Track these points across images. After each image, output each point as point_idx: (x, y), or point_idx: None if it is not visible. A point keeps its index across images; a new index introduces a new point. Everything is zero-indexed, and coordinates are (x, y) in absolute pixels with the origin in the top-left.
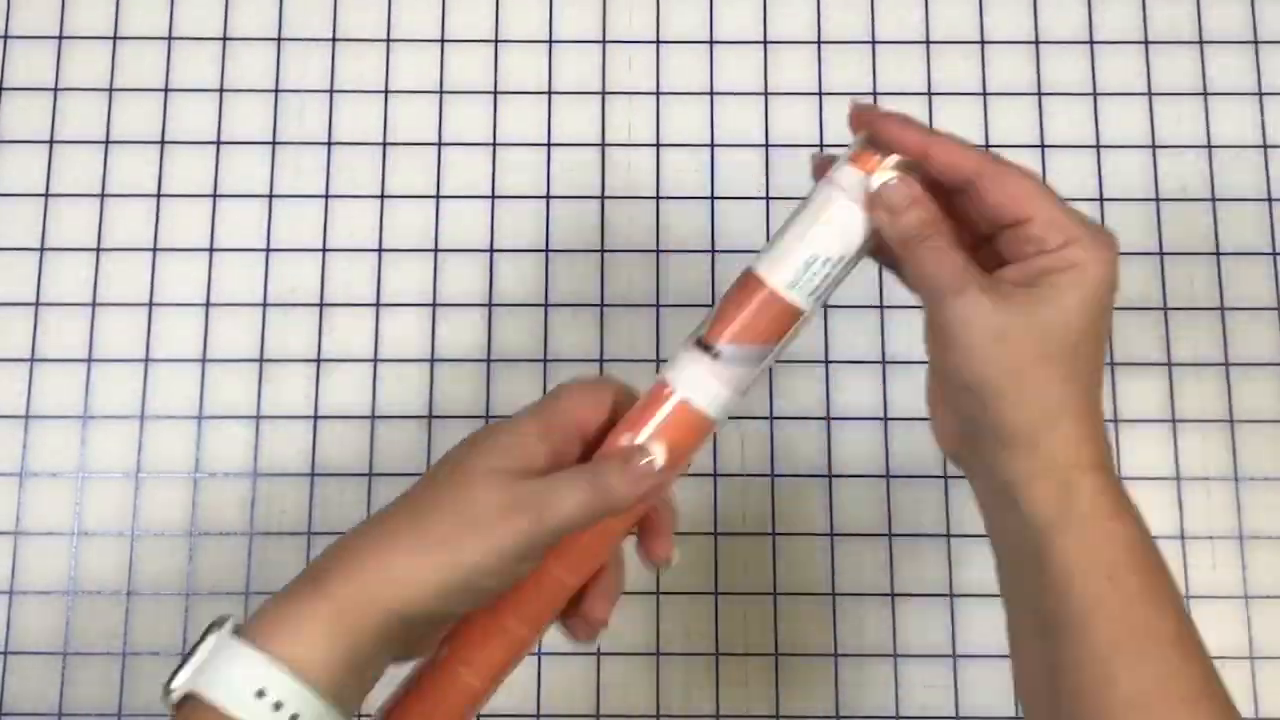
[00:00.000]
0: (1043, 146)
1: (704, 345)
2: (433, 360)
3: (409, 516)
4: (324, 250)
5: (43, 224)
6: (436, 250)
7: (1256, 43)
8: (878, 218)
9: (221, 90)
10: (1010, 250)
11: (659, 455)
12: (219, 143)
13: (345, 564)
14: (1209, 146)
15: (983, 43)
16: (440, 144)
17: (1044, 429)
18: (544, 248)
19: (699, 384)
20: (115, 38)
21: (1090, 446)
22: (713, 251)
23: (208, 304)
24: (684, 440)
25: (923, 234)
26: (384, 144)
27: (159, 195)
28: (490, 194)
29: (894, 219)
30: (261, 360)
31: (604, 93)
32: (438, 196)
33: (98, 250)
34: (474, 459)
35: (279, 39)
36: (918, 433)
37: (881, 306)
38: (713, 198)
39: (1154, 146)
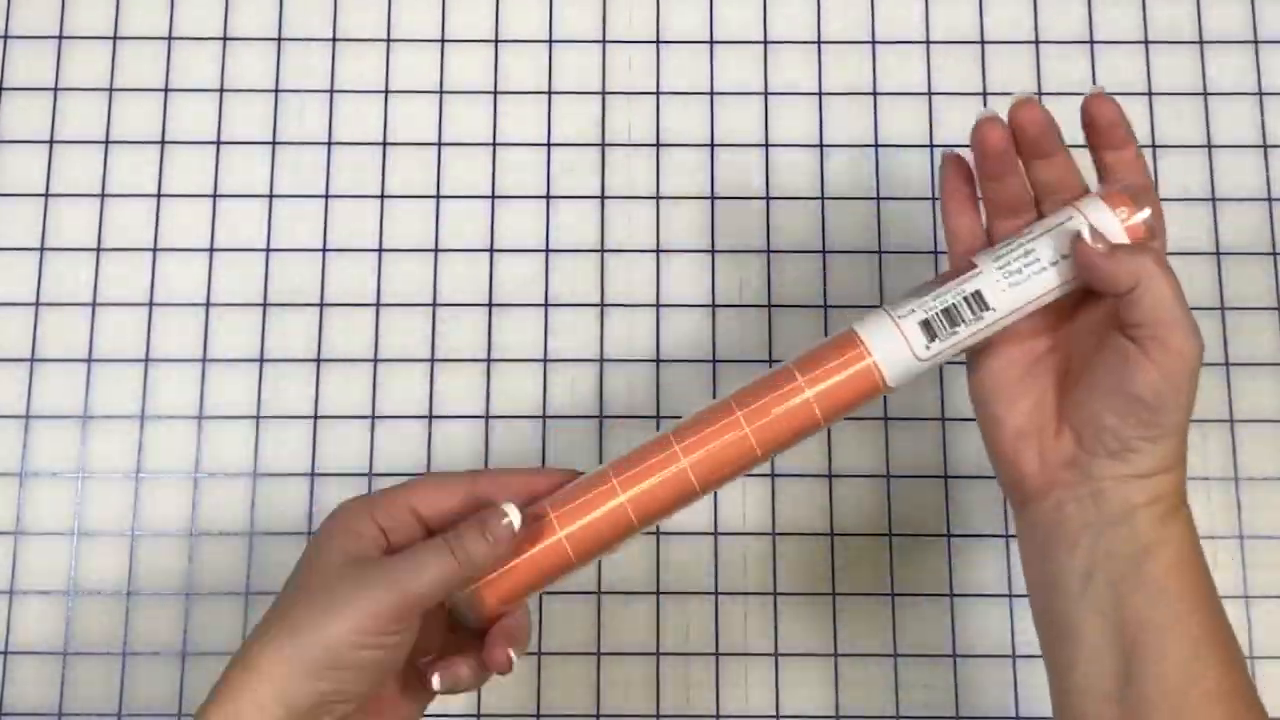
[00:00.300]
0: None
1: (930, 332)
2: (433, 360)
3: (279, 612)
4: (324, 250)
5: (43, 224)
6: (437, 250)
7: (1256, 43)
8: (1129, 248)
9: (221, 90)
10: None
11: (515, 517)
12: (219, 143)
13: (236, 671)
14: (1209, 146)
15: (983, 43)
16: (440, 144)
17: (1177, 464)
18: (544, 248)
19: (900, 359)
20: (115, 38)
21: (1184, 488)
22: (713, 251)
23: (208, 304)
24: (852, 400)
25: (1163, 266)
26: (384, 144)
27: (159, 195)
28: (490, 194)
29: (1146, 248)
30: (261, 360)
31: (604, 93)
32: (438, 196)
33: (98, 250)
34: (322, 551)
35: (279, 39)
36: (918, 433)
37: (881, 307)
38: (713, 198)
39: (1154, 146)
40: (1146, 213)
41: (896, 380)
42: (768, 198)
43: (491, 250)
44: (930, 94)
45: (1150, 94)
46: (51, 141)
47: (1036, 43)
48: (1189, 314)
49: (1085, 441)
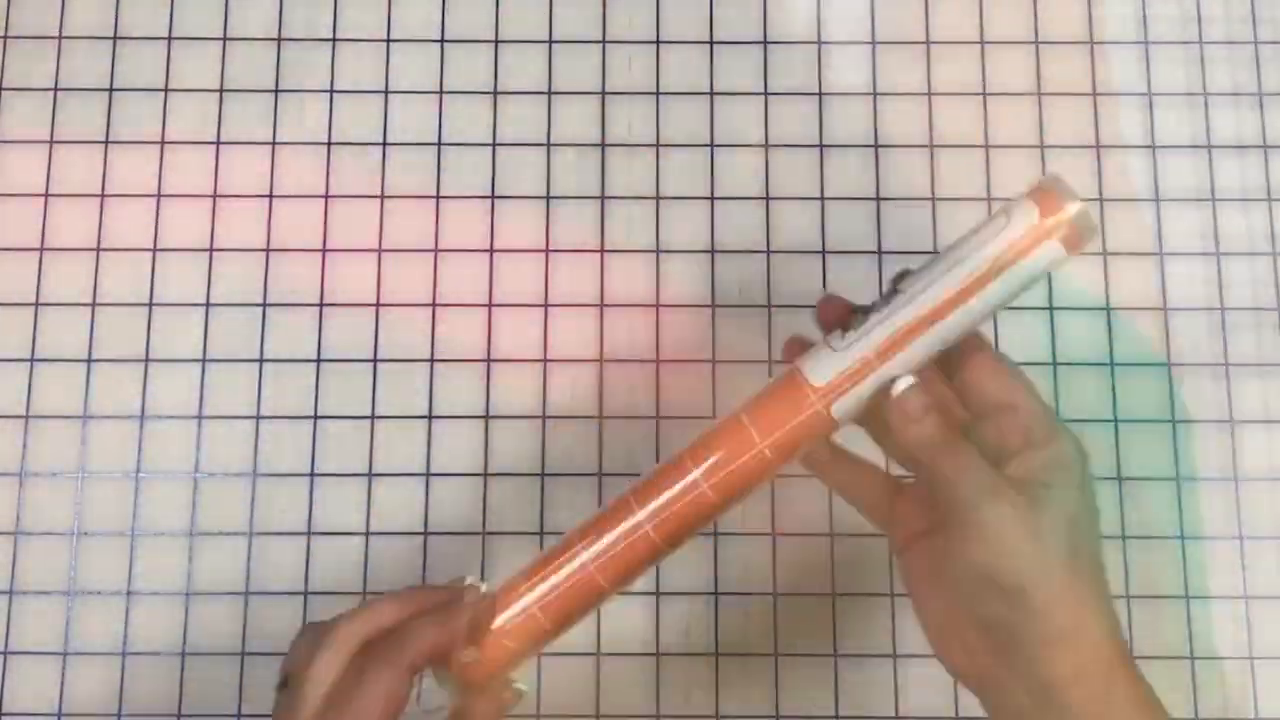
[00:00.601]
0: (1043, 147)
1: (845, 326)
2: (432, 361)
3: None
4: (324, 250)
5: (43, 224)
6: (436, 250)
7: (1256, 43)
8: (897, 426)
9: (221, 90)
10: (994, 437)
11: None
12: (219, 143)
13: None
14: (1209, 146)
15: (982, 43)
16: (440, 144)
17: (1085, 623)
18: (544, 248)
19: (819, 357)
20: (115, 38)
21: (1119, 639)
22: (712, 252)
23: (208, 304)
24: (806, 439)
25: (945, 440)
26: (384, 144)
27: (159, 195)
28: (490, 194)
29: (913, 427)
30: (261, 360)
31: (604, 93)
32: (438, 196)
33: (98, 250)
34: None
35: (279, 39)
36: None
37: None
38: (713, 198)
39: (1153, 147)
40: (1073, 210)
41: (822, 378)
42: (767, 198)
43: (491, 250)
44: (930, 94)
45: (1150, 94)
46: (51, 141)
47: (1036, 43)
48: (992, 480)
49: (978, 615)
